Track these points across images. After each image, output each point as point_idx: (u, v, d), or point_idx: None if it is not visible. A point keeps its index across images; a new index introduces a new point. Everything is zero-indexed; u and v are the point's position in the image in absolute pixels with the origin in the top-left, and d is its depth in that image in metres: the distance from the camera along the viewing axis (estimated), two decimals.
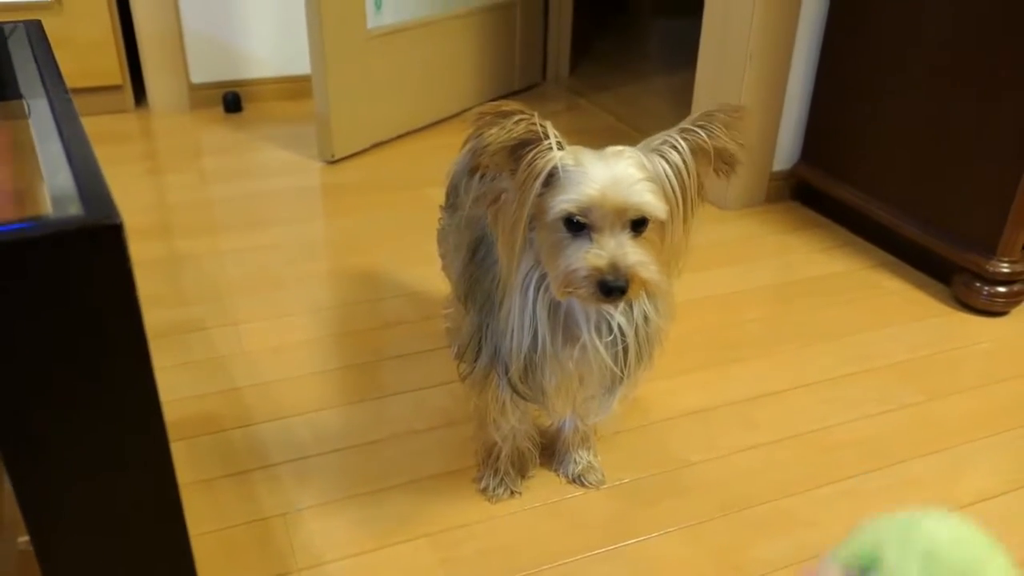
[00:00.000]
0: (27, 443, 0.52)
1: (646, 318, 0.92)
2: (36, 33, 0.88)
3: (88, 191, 0.53)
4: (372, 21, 2.12)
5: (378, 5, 2.13)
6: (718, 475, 1.15)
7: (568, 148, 0.83)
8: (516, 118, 0.79)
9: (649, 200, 0.82)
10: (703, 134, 0.82)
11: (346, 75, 2.07)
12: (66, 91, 0.76)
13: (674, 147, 0.83)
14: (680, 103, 2.63)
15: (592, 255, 0.82)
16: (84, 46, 2.28)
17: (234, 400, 1.26)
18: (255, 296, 1.54)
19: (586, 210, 0.81)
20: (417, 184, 2.03)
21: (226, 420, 1.22)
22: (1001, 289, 1.52)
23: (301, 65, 2.54)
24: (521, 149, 0.81)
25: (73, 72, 2.28)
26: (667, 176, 0.83)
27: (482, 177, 0.85)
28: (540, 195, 0.83)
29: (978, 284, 1.53)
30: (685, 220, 0.86)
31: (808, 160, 1.93)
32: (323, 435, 1.19)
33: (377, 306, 1.52)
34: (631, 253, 0.82)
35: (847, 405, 1.30)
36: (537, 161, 0.81)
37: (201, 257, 1.67)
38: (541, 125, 0.80)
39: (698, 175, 0.86)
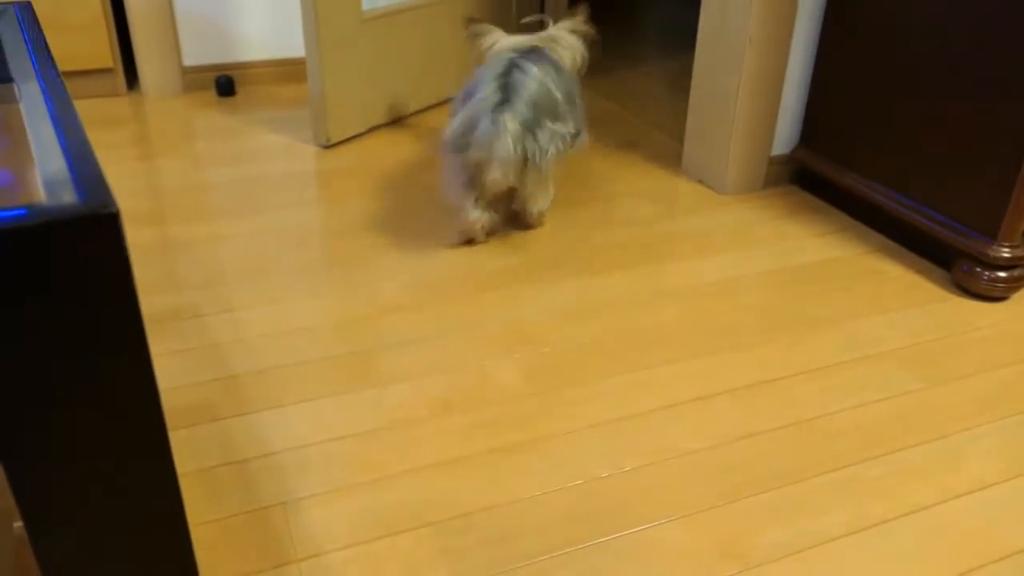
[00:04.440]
0: (22, 435, 0.51)
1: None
2: (27, 15, 0.86)
3: (83, 178, 0.52)
4: (367, 3, 2.09)
5: None
6: (719, 463, 1.15)
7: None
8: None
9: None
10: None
11: (341, 58, 2.05)
12: (58, 74, 0.74)
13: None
14: (678, 87, 2.61)
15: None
16: (75, 28, 2.25)
17: (232, 388, 1.25)
18: (250, 282, 1.52)
19: None
20: (413, 169, 2.01)
21: (224, 408, 1.20)
22: (1002, 274, 1.51)
23: (295, 48, 2.52)
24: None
25: (64, 55, 2.26)
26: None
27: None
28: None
29: (979, 269, 1.52)
30: None
31: (807, 144, 1.91)
32: (322, 423, 1.18)
33: (374, 292, 1.51)
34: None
35: (847, 392, 1.29)
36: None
37: (195, 243, 1.66)
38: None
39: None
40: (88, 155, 0.55)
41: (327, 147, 2.11)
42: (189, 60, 2.44)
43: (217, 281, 1.52)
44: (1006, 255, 1.49)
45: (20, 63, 0.76)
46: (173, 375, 1.27)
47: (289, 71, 2.54)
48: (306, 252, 1.65)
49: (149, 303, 1.44)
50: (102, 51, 2.31)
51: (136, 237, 1.66)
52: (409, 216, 1.78)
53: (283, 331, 1.39)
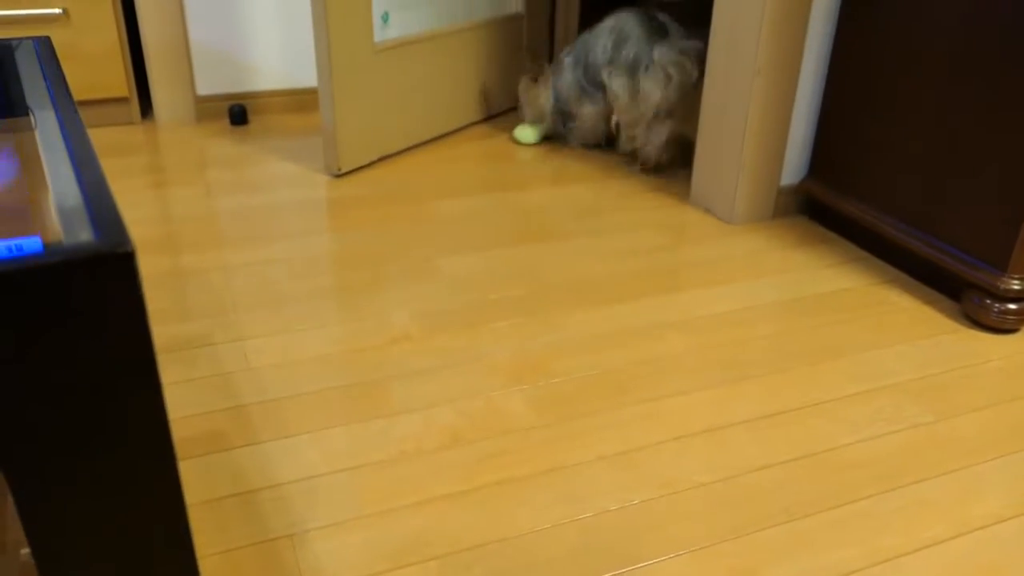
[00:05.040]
0: (33, 467, 0.51)
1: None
2: (45, 49, 0.88)
3: (99, 215, 0.52)
4: (379, 35, 2.12)
5: (385, 19, 2.13)
6: (730, 496, 1.14)
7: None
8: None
9: None
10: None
11: (353, 88, 2.07)
12: (75, 109, 0.75)
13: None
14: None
15: None
16: (91, 58, 2.28)
17: (241, 417, 1.25)
18: (261, 311, 1.53)
19: None
20: (424, 198, 2.03)
21: (233, 438, 1.21)
22: (1012, 306, 1.51)
23: (307, 77, 2.54)
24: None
25: (80, 84, 2.29)
26: None
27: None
28: None
29: (989, 301, 1.52)
30: None
31: (816, 175, 1.92)
32: (330, 454, 1.18)
33: (383, 322, 1.51)
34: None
35: (857, 424, 1.29)
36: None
37: (207, 271, 1.67)
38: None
39: None
40: (104, 192, 0.56)
41: (339, 176, 2.13)
42: (203, 89, 2.47)
43: (228, 310, 1.53)
44: (1016, 287, 1.48)
45: (38, 96, 0.77)
46: (182, 404, 1.27)
47: (302, 100, 2.57)
48: (316, 281, 1.65)
49: (160, 332, 1.45)
50: (117, 81, 2.34)
51: (148, 265, 1.67)
52: (419, 246, 1.78)
53: (293, 361, 1.39)
